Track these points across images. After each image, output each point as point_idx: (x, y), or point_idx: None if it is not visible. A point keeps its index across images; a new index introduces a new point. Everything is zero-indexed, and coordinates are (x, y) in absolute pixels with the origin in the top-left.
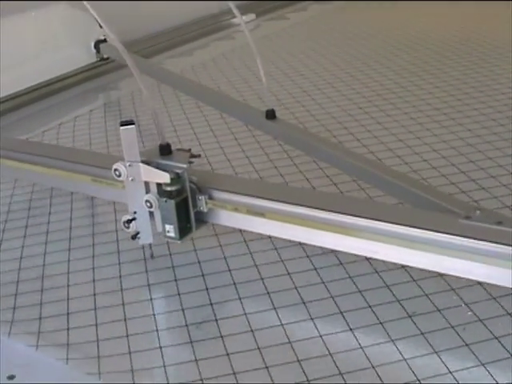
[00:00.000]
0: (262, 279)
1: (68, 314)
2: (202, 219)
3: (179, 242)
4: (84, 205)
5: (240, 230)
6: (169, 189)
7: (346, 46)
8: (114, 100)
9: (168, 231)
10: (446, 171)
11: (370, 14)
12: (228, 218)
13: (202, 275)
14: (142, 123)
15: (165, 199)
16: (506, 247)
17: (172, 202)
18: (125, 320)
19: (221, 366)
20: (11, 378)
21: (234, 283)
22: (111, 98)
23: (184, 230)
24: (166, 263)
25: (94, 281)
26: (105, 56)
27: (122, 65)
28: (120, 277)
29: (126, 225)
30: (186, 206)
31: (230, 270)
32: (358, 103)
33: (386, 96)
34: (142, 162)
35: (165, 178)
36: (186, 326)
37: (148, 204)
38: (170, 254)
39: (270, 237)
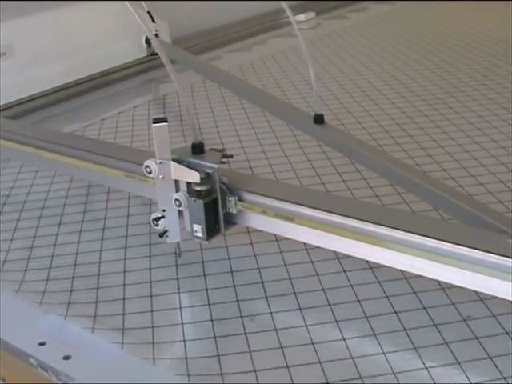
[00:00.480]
0: (290, 279)
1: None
2: (231, 220)
3: (206, 242)
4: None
5: None
6: (198, 188)
7: (402, 49)
8: (159, 96)
9: (196, 231)
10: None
11: (434, 14)
12: (257, 221)
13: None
14: (187, 121)
15: (194, 199)
16: None
17: (201, 202)
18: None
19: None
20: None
21: (262, 281)
22: (158, 93)
23: (212, 230)
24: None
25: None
26: (155, 51)
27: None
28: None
29: (155, 222)
30: (215, 207)
31: (259, 268)
32: (407, 112)
33: (436, 106)
34: (173, 160)
35: (195, 177)
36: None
37: (177, 203)
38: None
39: None
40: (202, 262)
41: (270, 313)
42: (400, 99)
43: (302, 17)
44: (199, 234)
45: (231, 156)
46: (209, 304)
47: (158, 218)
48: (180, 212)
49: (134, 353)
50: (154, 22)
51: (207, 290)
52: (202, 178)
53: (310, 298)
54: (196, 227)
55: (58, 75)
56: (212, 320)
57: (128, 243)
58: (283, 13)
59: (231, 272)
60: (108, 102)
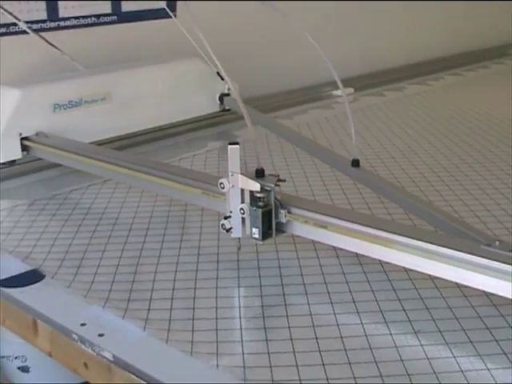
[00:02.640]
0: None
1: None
2: (280, 229)
3: (261, 242)
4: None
5: (312, 241)
6: (259, 202)
7: (432, 122)
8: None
9: (254, 233)
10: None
11: (466, 94)
12: (300, 229)
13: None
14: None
15: (255, 208)
16: None
17: (259, 211)
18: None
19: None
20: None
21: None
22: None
23: (266, 234)
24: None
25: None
26: (226, 107)
27: (240, 116)
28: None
29: (224, 220)
30: (269, 216)
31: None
32: (429, 167)
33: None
34: (241, 174)
35: (256, 187)
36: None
37: (242, 211)
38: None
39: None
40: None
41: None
42: (423, 159)
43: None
44: (256, 236)
45: (284, 180)
46: None
47: (226, 217)
48: (243, 218)
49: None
50: (222, 79)
51: None
52: (262, 192)
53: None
54: (254, 230)
55: (145, 120)
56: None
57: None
58: (323, 87)
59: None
60: (185, 146)
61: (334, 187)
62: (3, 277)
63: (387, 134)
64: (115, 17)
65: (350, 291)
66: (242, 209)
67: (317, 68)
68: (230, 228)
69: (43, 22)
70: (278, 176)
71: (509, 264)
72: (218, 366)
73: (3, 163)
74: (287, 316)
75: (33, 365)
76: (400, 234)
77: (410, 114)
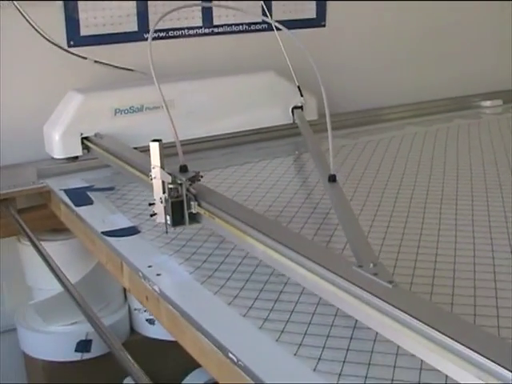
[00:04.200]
0: None
1: None
2: (195, 219)
3: (173, 228)
4: None
5: None
6: (171, 187)
7: None
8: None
9: (167, 220)
10: None
11: None
12: (207, 222)
13: None
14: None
15: (167, 197)
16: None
17: (170, 200)
18: None
19: None
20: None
21: None
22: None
23: (177, 222)
24: None
25: None
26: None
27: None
28: None
29: (150, 206)
30: (181, 206)
31: None
32: None
33: None
34: (161, 167)
35: (167, 178)
36: None
37: (160, 200)
38: None
39: None
40: None
41: None
42: None
43: (487, 103)
44: (168, 222)
45: (201, 176)
46: None
47: (150, 204)
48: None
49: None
50: (301, 96)
51: None
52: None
53: None
54: (168, 217)
55: (208, 128)
56: None
57: None
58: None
59: None
60: (251, 154)
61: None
62: (111, 229)
63: None
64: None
65: None
66: (160, 198)
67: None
68: (155, 214)
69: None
70: (198, 173)
71: (360, 287)
72: None
73: (66, 158)
74: None
75: None
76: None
77: None
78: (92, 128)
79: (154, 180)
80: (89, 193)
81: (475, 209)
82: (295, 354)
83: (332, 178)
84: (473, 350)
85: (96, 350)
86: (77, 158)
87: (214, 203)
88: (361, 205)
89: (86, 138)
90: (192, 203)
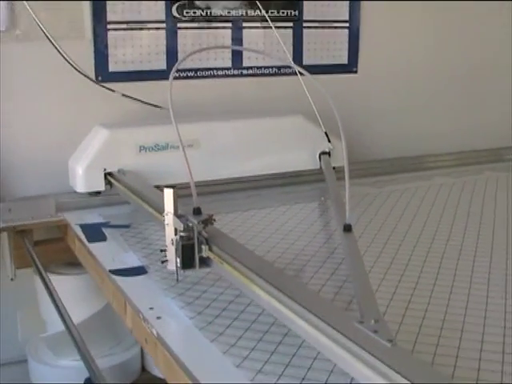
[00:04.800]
0: None
1: None
2: (206, 263)
3: (182, 271)
4: None
5: None
6: (182, 234)
7: None
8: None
9: (178, 262)
10: None
11: None
12: (215, 267)
13: None
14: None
15: (178, 240)
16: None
17: (180, 243)
18: None
19: None
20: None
21: None
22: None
23: (186, 264)
24: None
25: None
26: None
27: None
28: None
29: (161, 253)
30: (192, 250)
31: None
32: None
33: None
34: (174, 214)
35: (180, 226)
36: None
37: (172, 241)
38: None
39: None
40: None
41: None
42: None
43: None
44: (178, 265)
45: (214, 220)
46: None
47: (162, 250)
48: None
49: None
50: (329, 141)
51: None
52: (184, 228)
53: None
54: (178, 260)
55: (234, 169)
56: None
57: None
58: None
59: None
60: (274, 198)
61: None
62: (119, 267)
63: None
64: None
65: None
66: (172, 239)
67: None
68: (166, 260)
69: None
70: (212, 215)
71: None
72: None
73: (89, 193)
74: None
75: None
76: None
77: None
78: (116, 163)
79: (166, 226)
80: (104, 229)
81: (493, 267)
82: None
83: (347, 228)
84: None
85: None
86: (99, 193)
87: (225, 248)
88: (376, 256)
89: (109, 174)
90: (203, 247)
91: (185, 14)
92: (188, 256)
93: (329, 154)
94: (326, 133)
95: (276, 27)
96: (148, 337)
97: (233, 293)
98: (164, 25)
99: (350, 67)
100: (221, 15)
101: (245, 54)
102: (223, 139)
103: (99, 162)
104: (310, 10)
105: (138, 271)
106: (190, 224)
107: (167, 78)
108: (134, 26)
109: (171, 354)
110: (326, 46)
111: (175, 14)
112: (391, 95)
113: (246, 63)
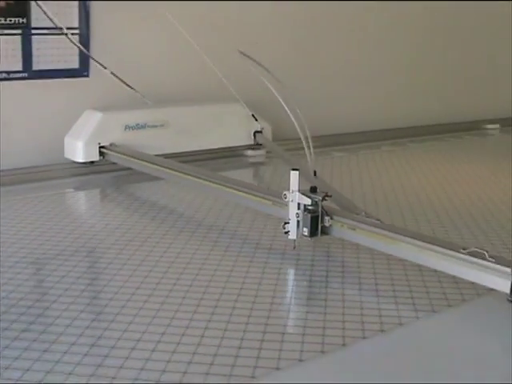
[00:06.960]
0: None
1: None
2: (325, 232)
3: (310, 239)
4: None
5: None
6: (309, 208)
7: None
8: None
9: (304, 231)
10: None
11: None
12: (337, 231)
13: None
14: None
15: (306, 213)
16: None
17: (309, 215)
18: None
19: None
20: None
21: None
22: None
23: (313, 233)
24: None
25: None
26: (259, 142)
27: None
28: None
29: (284, 225)
30: (317, 220)
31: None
32: None
33: None
34: (299, 191)
35: (308, 201)
36: None
37: (297, 215)
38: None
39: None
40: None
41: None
42: None
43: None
44: (305, 233)
45: (330, 196)
46: None
47: (285, 223)
48: (298, 222)
49: None
50: (256, 120)
51: None
52: (311, 203)
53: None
54: (305, 229)
55: (193, 144)
56: None
57: None
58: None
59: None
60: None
61: None
62: None
63: None
64: None
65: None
66: (297, 213)
67: None
68: (288, 231)
69: None
70: (327, 193)
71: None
72: None
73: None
74: None
75: None
76: (409, 236)
77: None
78: (107, 139)
79: (290, 202)
80: None
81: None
82: None
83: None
84: None
85: None
86: (93, 162)
87: (341, 215)
88: None
89: (102, 147)
90: (326, 218)
91: None
92: (314, 226)
93: (261, 132)
94: (253, 115)
95: (3, 34)
96: None
97: None
98: None
99: (81, 72)
100: None
101: None
102: (188, 120)
103: (95, 137)
104: (38, 18)
105: None
106: (316, 200)
107: None
108: None
109: None
110: (57, 51)
111: None
112: None
113: None
